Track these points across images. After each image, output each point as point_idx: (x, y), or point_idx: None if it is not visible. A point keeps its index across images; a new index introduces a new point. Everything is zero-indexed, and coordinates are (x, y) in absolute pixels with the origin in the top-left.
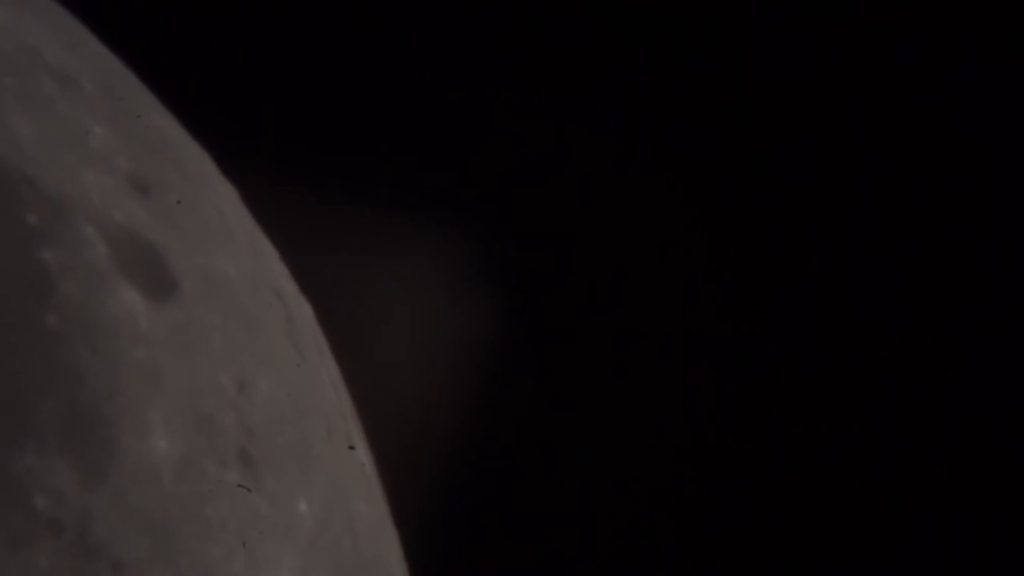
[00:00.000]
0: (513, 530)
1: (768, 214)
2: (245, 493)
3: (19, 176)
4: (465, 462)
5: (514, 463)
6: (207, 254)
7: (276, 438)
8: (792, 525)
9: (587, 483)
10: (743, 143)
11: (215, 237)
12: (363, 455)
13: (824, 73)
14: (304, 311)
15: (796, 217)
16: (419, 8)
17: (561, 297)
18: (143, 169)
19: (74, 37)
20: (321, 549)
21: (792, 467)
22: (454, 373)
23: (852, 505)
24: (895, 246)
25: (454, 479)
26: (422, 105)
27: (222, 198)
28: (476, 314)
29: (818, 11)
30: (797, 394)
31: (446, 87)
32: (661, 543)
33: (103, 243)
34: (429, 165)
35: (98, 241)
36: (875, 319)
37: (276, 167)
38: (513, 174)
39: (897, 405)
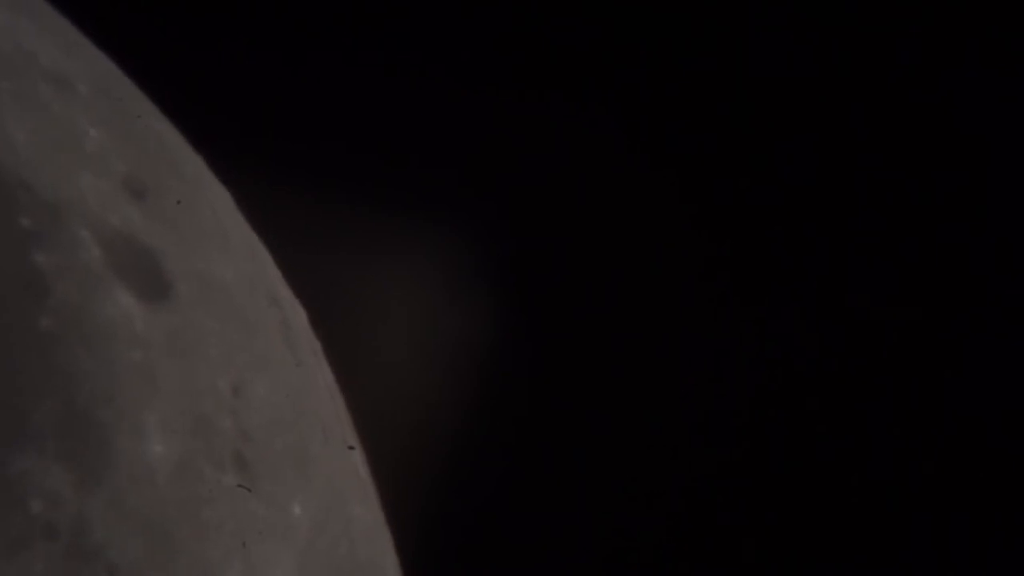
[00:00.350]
0: (510, 532)
1: (767, 214)
2: (241, 496)
3: (15, 179)
4: (461, 464)
5: (511, 465)
6: (203, 258)
7: (272, 441)
8: (791, 525)
9: (585, 484)
10: (742, 143)
11: (211, 241)
12: (358, 458)
13: (824, 73)
14: (299, 314)
15: (795, 217)
16: (419, 8)
17: (559, 297)
18: (139, 173)
19: (69, 41)
20: (317, 551)
21: (791, 467)
22: (452, 374)
23: (851, 505)
24: (893, 246)
25: (450, 481)
26: (420, 105)
27: (217, 201)
28: (474, 314)
29: (818, 11)
30: (795, 394)
31: (444, 87)
32: (660, 543)
33: (99, 246)
34: (426, 166)
35: (94, 244)
36: (873, 319)
37: (271, 170)
38: (512, 174)
39: (895, 405)
